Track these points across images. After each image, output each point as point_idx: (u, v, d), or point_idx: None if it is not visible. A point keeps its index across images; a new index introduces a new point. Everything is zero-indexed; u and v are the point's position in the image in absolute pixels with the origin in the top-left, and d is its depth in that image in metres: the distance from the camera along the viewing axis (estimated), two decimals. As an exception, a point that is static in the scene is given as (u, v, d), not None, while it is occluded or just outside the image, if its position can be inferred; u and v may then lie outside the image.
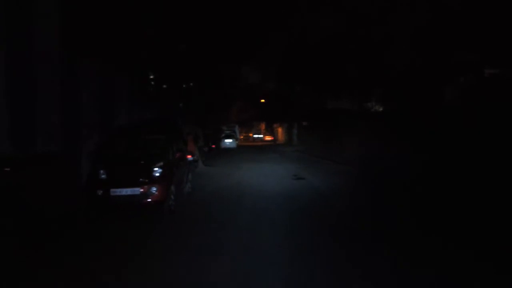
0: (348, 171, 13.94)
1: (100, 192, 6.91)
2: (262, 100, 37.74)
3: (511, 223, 6.03)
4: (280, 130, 46.83)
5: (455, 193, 8.36)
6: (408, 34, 13.80)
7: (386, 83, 17.34)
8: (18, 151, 7.19)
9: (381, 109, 20.74)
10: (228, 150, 29.27)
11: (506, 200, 7.01)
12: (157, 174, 7.15)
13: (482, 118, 9.78)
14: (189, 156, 9.97)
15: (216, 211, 7.82)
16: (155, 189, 6.95)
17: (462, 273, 4.26)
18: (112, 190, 6.88)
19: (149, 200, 6.93)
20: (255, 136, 57.90)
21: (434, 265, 4.49)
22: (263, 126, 57.07)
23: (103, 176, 7.13)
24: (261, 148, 33.43)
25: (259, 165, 16.70)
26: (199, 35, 14.82)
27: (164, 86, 18.02)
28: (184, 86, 20.07)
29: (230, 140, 32.39)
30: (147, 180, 7.03)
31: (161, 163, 7.30)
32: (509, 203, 6.84)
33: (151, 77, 16.95)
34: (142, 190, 6.93)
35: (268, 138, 52.37)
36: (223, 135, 33.13)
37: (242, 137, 52.42)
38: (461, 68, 12.55)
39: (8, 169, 6.10)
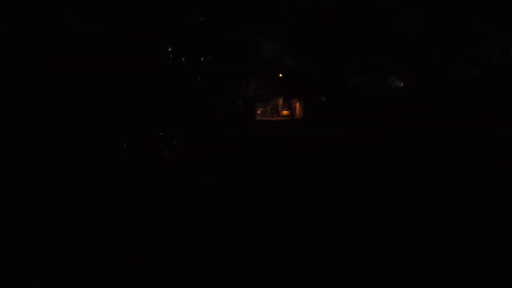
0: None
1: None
2: (280, 75, 37.28)
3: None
4: (297, 105, 46.43)
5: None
6: (432, 8, 13.33)
7: (407, 59, 16.92)
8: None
9: (401, 85, 20.34)
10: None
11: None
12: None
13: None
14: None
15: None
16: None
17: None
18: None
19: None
20: (273, 111, 57.85)
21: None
22: (280, 101, 56.71)
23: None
24: (279, 124, 33.34)
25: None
26: (217, 6, 14.65)
27: (183, 59, 18.02)
28: (202, 59, 20.03)
29: (246, 115, 32.41)
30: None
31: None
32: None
33: (169, 50, 16.96)
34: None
35: (285, 113, 52.21)
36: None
37: (259, 111, 52.33)
38: (485, 44, 12.15)
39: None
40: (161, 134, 7.76)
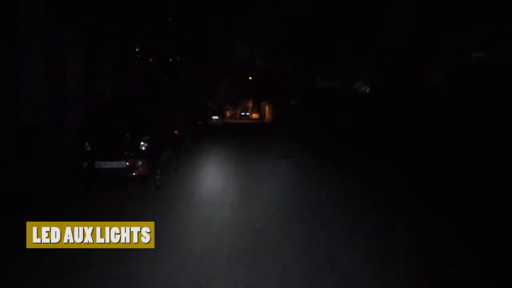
0: (333, 149, 14.11)
1: (85, 165, 6.85)
2: (250, 78, 37.40)
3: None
4: (267, 108, 46.75)
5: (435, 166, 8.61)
6: (399, 16, 13.75)
7: (375, 64, 17.38)
8: (3, 124, 7.02)
9: (367, 89, 20.87)
10: (216, 127, 29.07)
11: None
12: (143, 148, 7.09)
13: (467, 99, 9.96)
14: (175, 132, 9.89)
15: (202, 186, 7.90)
16: (140, 163, 6.91)
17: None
18: (97, 163, 6.83)
19: (135, 174, 6.89)
20: (242, 113, 57.90)
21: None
22: (250, 104, 56.88)
23: (88, 148, 7.06)
24: (249, 126, 33.41)
25: (247, 141, 16.72)
26: (188, 7, 14.48)
27: (150, 59, 17.66)
28: (170, 60, 19.68)
29: (217, 117, 32.20)
30: (132, 154, 6.97)
31: (147, 137, 7.22)
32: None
33: (137, 49, 16.57)
34: (127, 163, 6.88)
35: (255, 116, 52.38)
36: (210, 111, 32.92)
37: (229, 114, 52.35)
38: (449, 51, 12.65)
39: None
40: (127, 136, 7.46)
